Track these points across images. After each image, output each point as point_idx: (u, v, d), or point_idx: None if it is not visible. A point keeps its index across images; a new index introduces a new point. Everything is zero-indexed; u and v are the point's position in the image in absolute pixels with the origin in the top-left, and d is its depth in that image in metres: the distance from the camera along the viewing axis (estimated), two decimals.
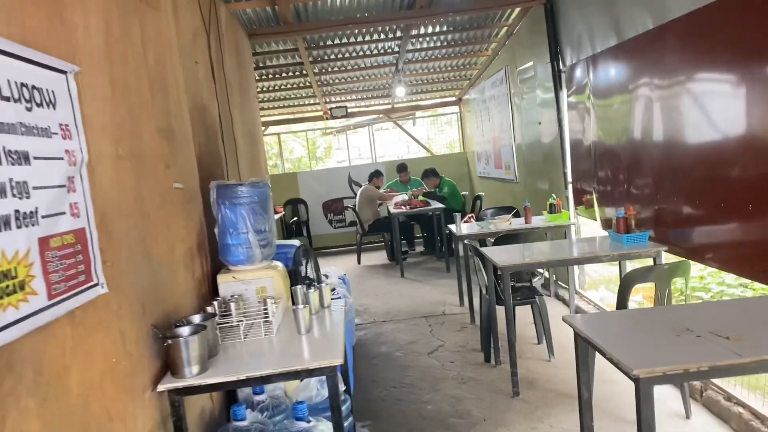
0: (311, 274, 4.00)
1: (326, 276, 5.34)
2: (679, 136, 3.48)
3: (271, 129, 11.09)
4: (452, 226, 5.67)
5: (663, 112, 3.64)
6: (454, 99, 10.67)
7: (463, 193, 9.00)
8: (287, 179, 10.49)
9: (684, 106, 3.38)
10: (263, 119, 10.60)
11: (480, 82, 8.62)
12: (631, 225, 3.89)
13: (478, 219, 8.22)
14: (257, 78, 7.96)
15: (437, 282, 7.08)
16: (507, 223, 5.31)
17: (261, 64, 7.52)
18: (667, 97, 3.57)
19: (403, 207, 7.80)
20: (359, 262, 8.82)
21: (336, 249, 10.48)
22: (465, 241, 5.36)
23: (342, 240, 10.27)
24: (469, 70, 8.87)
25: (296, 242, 3.89)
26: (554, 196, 5.38)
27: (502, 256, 3.97)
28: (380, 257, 9.16)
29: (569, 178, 5.48)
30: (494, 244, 4.79)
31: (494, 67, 7.71)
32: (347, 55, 7.51)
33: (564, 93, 5.48)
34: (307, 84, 8.47)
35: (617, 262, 4.24)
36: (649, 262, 3.75)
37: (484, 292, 4.36)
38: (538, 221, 5.35)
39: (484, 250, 4.22)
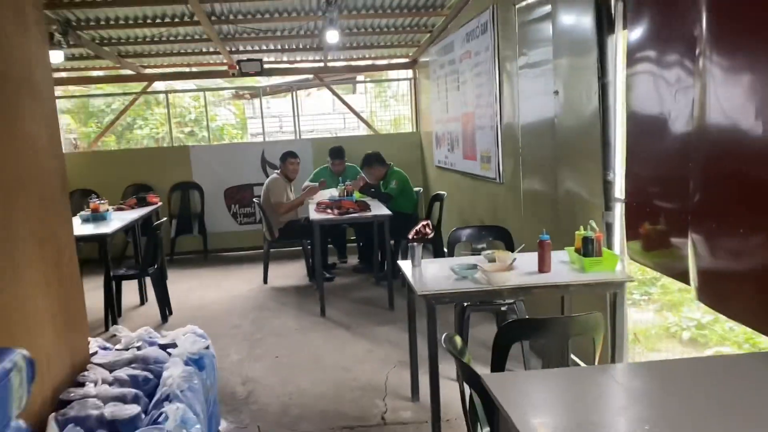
0: None
1: (170, 352, 2.85)
2: None
3: (159, 85, 8.21)
4: (405, 265, 3.20)
5: None
6: (406, 60, 8.12)
7: (416, 189, 6.53)
8: (174, 155, 7.69)
9: None
10: (147, 68, 7.72)
11: (446, 36, 6.12)
12: None
13: (439, 239, 5.81)
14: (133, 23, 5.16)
15: (375, 330, 4.62)
16: (508, 271, 2.86)
17: None
18: None
19: (329, 211, 5.24)
20: (266, 281, 6.23)
21: (242, 253, 7.82)
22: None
23: (251, 240, 7.63)
24: (433, 17, 6.34)
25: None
26: (593, 223, 2.98)
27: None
28: (297, 272, 6.59)
29: (618, 190, 3.11)
30: (503, 324, 2.38)
31: (473, 9, 5.21)
32: None
33: (618, 39, 3.07)
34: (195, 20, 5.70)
35: None
36: None
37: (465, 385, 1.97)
38: (560, 269, 2.96)
39: (492, 386, 1.75)
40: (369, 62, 8.27)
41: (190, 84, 9.37)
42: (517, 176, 4.42)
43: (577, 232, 3.03)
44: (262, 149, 7.81)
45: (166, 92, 7.89)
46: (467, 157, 5.62)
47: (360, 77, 9.57)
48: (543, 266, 2.93)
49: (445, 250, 6.00)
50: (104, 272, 4.85)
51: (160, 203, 6.44)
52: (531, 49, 4.02)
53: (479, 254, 3.37)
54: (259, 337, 4.60)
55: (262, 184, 7.59)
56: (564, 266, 3.00)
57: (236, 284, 6.28)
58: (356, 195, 6.00)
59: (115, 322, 4.82)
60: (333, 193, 5.86)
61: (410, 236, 5.88)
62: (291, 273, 6.60)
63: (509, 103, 4.53)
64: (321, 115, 8.84)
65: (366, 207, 5.26)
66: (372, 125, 8.45)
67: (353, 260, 6.92)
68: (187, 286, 6.29)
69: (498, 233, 3.92)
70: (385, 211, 5.21)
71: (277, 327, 4.82)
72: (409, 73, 8.22)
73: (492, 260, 3.05)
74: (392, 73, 9.41)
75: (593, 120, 3.21)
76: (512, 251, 3.79)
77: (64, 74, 7.85)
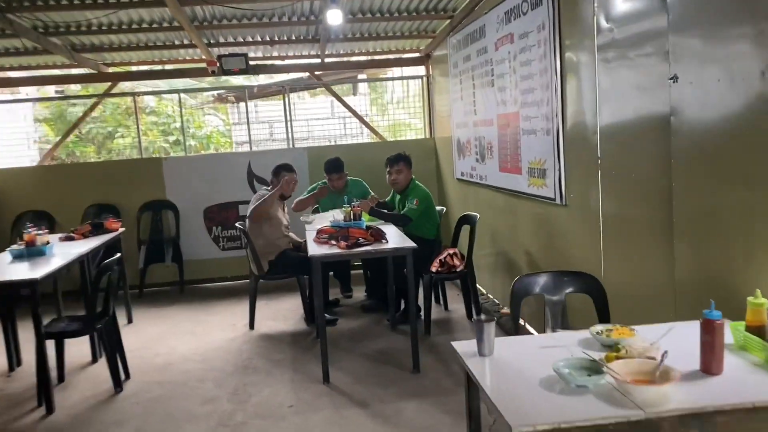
0: None
1: None
2: None
3: (125, 85, 6.99)
4: (465, 356, 1.98)
5: None
6: (418, 55, 6.95)
7: (438, 208, 5.31)
8: (144, 169, 6.46)
9: None
10: (110, 66, 6.53)
11: (474, 19, 4.94)
12: None
13: (471, 274, 4.55)
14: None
15: (399, 408, 3.39)
16: (665, 383, 1.64)
17: None
18: None
19: (333, 243, 4.02)
20: (252, 326, 5.00)
21: (226, 284, 6.59)
22: None
23: (236, 269, 6.41)
24: (451, 1, 5.18)
25: None
26: None
27: None
28: (291, 311, 5.37)
29: None
30: None
31: None
32: None
33: None
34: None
35: None
36: None
37: None
38: (734, 367, 1.76)
39: None
40: (373, 58, 7.08)
41: (164, 85, 8.17)
42: (591, 195, 3.23)
43: (751, 299, 1.84)
44: (248, 160, 6.60)
45: (133, 94, 6.66)
46: (506, 170, 4.43)
47: (362, 76, 8.38)
48: (711, 364, 1.73)
49: (492, 299, 4.78)
50: (34, 330, 3.60)
51: (121, 230, 5.21)
52: (623, 21, 2.84)
53: (571, 328, 2.19)
54: (241, 420, 3.36)
55: (247, 202, 6.41)
56: (730, 358, 1.80)
57: (216, 329, 5.05)
58: (365, 218, 4.80)
59: (48, 393, 3.59)
60: (337, 216, 4.65)
61: (433, 268, 4.70)
62: (284, 312, 5.37)
63: (577, 97, 3.35)
64: (317, 120, 7.65)
65: (380, 235, 4.04)
66: (376, 131, 7.24)
67: (359, 292, 5.72)
68: (155, 333, 5.05)
69: (582, 283, 2.72)
70: (407, 242, 3.99)
71: (267, 402, 3.58)
72: (421, 69, 7.04)
73: (615, 350, 1.84)
74: (398, 71, 8.24)
75: (752, 114, 2.03)
76: (606, 316, 2.62)
77: (11, 74, 6.63)
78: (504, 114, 4.40)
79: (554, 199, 3.65)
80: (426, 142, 6.89)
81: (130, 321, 5.36)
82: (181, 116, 6.68)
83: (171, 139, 11.62)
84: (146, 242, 6.35)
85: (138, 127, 6.66)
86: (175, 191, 6.46)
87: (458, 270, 4.59)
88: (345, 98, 7.61)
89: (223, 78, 7.36)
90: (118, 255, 3.97)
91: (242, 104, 7.08)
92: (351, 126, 7.60)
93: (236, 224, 4.99)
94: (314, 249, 3.94)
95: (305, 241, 4.60)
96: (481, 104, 4.90)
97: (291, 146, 6.87)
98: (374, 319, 5.01)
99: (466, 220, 4.78)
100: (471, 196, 5.48)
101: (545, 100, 3.67)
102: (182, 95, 7.34)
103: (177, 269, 6.40)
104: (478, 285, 4.88)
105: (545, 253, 3.93)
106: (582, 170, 3.34)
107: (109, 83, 6.77)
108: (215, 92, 8.86)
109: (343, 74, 8.06)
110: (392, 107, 8.70)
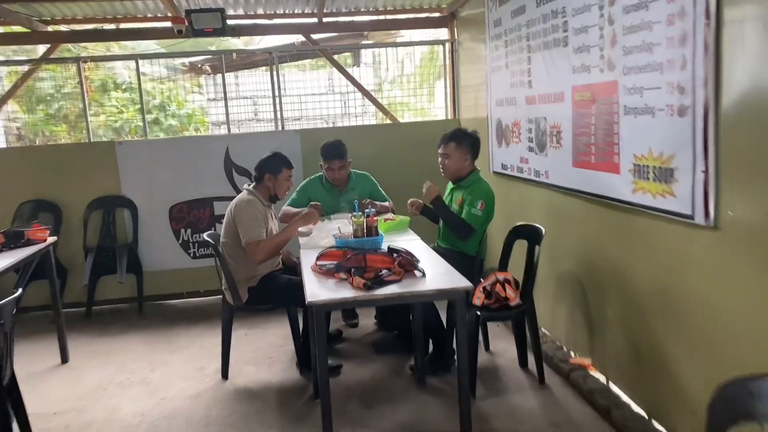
0: None
1: None
2: None
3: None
4: None
5: None
6: (438, 15, 5.57)
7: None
8: (93, 156, 5.07)
9: None
10: (49, 23, 5.11)
11: None
12: None
13: (531, 314, 3.24)
14: None
15: None
16: None
17: None
18: None
19: (341, 276, 2.68)
20: (225, 374, 3.67)
21: (198, 300, 5.27)
22: None
23: (210, 281, 5.04)
24: None
25: None
26: None
27: None
28: (279, 346, 4.05)
29: None
30: None
31: None
32: None
33: None
34: None
35: None
36: None
37: None
38: None
39: None
40: (385, 17, 5.69)
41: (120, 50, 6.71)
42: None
43: None
44: (226, 146, 5.23)
45: (78, 59, 5.23)
46: (586, 165, 3.11)
47: (366, 43, 6.97)
48: None
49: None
50: None
51: (50, 240, 3.86)
52: None
53: None
54: None
55: (225, 199, 5.08)
56: None
57: (178, 376, 3.72)
58: (383, 227, 3.48)
59: None
60: (344, 228, 3.31)
61: (477, 301, 3.40)
62: (268, 350, 4.05)
63: (751, 55, 2.01)
64: (312, 97, 6.26)
65: (412, 264, 2.70)
66: (390, 111, 5.86)
67: (367, 317, 4.43)
68: (95, 381, 3.72)
69: None
70: (453, 277, 2.65)
71: None
72: (442, 33, 5.65)
73: None
74: (408, 35, 6.85)
75: None
76: None
77: None
78: (586, 86, 3.05)
79: (690, 217, 2.33)
80: (447, 125, 5.52)
81: (64, 360, 4.03)
82: (140, 88, 5.26)
83: (150, 118, 10.21)
84: (95, 249, 4.99)
85: (84, 102, 5.24)
86: (133, 185, 5.09)
87: (512, 305, 3.28)
88: (345, 68, 6.20)
89: (195, 41, 5.94)
90: (17, 294, 2.61)
91: (219, 76, 5.69)
92: (354, 104, 6.23)
93: (205, 236, 3.64)
94: (313, 285, 2.61)
95: (299, 259, 3.29)
96: (542, 73, 3.56)
97: (280, 128, 5.50)
98: (392, 365, 3.69)
99: (525, 233, 3.46)
100: (516, 196, 4.16)
101: (677, 60, 2.33)
102: (157, 65, 5.92)
103: (135, 282, 5.06)
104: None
105: (659, 300, 2.62)
106: (753, 174, 2.02)
107: (48, 45, 5.33)
108: (185, 60, 7.39)
109: (344, 40, 6.66)
110: (390, 85, 7.26)
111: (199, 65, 7.24)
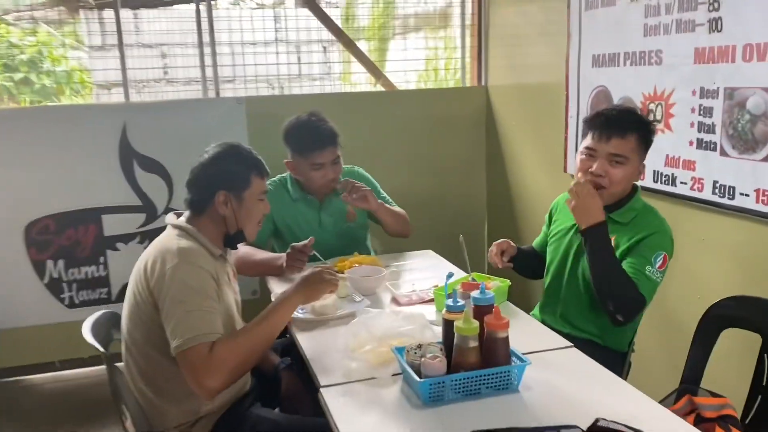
0: None
1: None
2: None
3: None
4: None
5: None
6: None
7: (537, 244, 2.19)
8: None
9: None
10: None
11: None
12: None
13: None
14: None
15: None
16: None
17: None
18: None
19: None
20: None
21: (80, 371, 3.26)
22: None
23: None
24: None
25: None
26: None
27: None
28: None
29: None
30: None
31: None
32: None
33: None
34: None
35: None
36: None
37: None
38: None
39: None
40: None
41: None
42: None
43: None
44: (122, 122, 3.16)
45: None
46: None
47: None
48: None
49: None
50: None
51: None
52: None
53: None
54: None
55: (121, 211, 3.08)
56: None
57: None
58: (479, 278, 1.65)
59: None
60: (358, 305, 1.48)
61: None
62: None
63: None
64: (257, 47, 4.21)
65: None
66: (381, 71, 3.92)
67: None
68: None
69: None
70: None
71: None
72: None
73: None
74: None
75: None
76: None
77: None
78: None
79: None
80: (472, 95, 3.67)
81: None
82: None
83: (17, 77, 7.70)
84: None
85: None
86: None
87: None
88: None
89: None
90: None
91: (109, 13, 3.51)
92: (322, 61, 4.26)
93: (97, 314, 1.68)
94: None
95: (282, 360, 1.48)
96: (749, 7, 1.82)
97: (213, 93, 3.49)
98: None
99: (744, 316, 1.73)
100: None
101: None
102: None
103: None
104: None
105: None
106: None
107: None
108: None
109: None
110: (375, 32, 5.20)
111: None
